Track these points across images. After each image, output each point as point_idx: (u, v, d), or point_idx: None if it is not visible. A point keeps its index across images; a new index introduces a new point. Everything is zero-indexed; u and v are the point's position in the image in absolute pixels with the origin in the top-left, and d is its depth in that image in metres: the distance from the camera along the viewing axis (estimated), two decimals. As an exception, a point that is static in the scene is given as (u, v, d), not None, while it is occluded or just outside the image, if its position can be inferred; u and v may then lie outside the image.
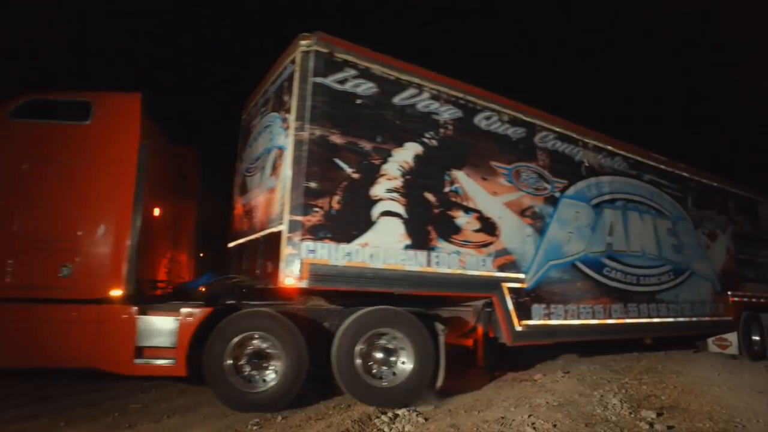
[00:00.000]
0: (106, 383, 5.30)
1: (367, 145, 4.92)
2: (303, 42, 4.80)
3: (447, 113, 5.57)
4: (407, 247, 4.94)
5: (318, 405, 4.69)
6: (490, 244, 5.61)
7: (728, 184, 9.69)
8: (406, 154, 5.17)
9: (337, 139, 4.75)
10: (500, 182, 5.90)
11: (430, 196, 5.25)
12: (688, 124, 20.40)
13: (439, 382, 4.80)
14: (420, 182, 5.19)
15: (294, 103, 4.69)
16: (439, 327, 4.93)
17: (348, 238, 4.63)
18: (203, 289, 5.39)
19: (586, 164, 7.03)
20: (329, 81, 4.81)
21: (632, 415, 4.31)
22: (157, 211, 6.45)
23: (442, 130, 5.50)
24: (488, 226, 5.65)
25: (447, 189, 5.40)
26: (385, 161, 5.00)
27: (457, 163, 5.55)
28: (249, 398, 4.47)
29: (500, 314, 5.55)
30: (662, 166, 8.33)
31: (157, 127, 6.13)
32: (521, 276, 5.79)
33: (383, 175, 4.96)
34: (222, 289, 5.21)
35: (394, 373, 4.83)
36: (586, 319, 6.43)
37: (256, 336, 4.59)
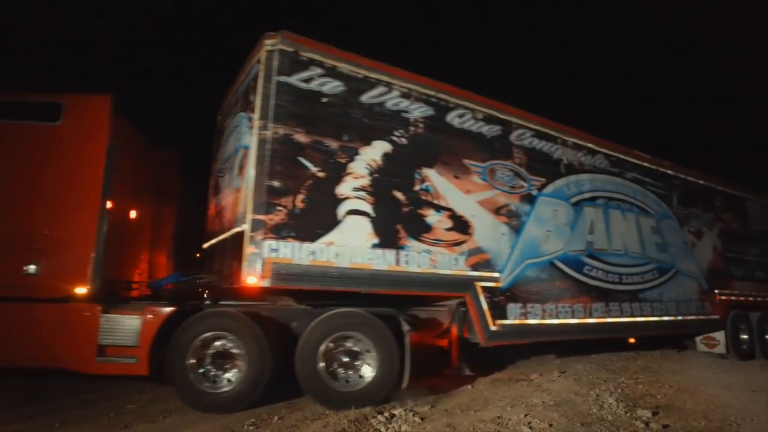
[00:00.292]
0: (103, 383, 5.30)
1: (333, 144, 4.89)
2: (267, 41, 4.79)
3: (417, 111, 5.54)
4: (375, 245, 4.91)
5: (314, 405, 4.67)
6: (463, 242, 5.56)
7: (715, 181, 9.56)
8: (375, 152, 5.13)
9: (301, 137, 4.73)
10: (474, 180, 5.85)
11: (399, 195, 5.21)
12: (684, 123, 20.25)
13: (405, 383, 4.76)
14: (389, 181, 5.15)
15: (258, 102, 4.68)
16: (405, 327, 4.90)
17: (312, 236, 4.60)
18: (170, 288, 5.39)
19: (565, 162, 6.96)
20: (294, 80, 4.79)
21: (628, 414, 4.24)
22: (133, 212, 6.47)
23: (412, 128, 5.46)
24: (461, 225, 5.59)
25: (417, 187, 5.36)
26: (352, 160, 4.97)
27: (428, 161, 5.50)
28: (211, 398, 4.47)
29: (474, 314, 5.49)
30: (646, 164, 8.24)
31: (131, 128, 6.15)
32: (496, 275, 5.73)
33: (350, 173, 4.93)
34: (187, 289, 5.20)
35: (360, 376, 4.79)
36: (565, 318, 6.36)
37: (220, 336, 4.58)
